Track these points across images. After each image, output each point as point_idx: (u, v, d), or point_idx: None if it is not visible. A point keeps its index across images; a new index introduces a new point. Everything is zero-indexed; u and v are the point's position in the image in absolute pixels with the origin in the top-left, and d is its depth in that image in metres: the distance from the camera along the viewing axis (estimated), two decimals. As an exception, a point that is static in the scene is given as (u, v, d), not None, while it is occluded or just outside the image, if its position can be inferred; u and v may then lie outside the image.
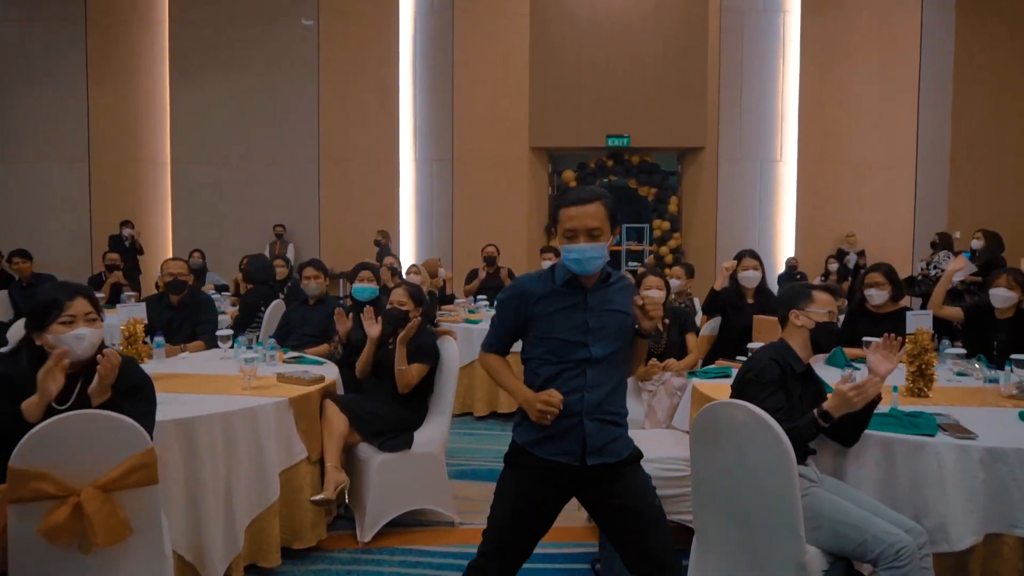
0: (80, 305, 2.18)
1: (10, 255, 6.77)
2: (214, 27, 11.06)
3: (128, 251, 9.45)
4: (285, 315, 4.76)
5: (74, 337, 2.13)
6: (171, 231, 11.53)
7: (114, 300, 6.53)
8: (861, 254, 10.03)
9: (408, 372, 3.23)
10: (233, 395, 2.91)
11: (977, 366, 3.27)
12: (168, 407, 2.61)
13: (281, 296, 5.87)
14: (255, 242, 10.58)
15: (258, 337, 4.13)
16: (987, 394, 2.86)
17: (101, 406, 2.09)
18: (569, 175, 11.31)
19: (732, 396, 2.36)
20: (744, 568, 2.18)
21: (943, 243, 8.15)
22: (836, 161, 10.71)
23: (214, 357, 3.78)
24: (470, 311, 5.87)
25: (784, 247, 10.87)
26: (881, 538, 2.04)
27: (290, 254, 10.63)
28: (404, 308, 3.30)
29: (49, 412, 2.06)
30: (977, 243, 7.69)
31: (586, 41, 10.63)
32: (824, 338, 2.42)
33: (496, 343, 2.16)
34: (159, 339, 3.69)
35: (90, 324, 2.18)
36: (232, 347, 3.78)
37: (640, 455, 2.09)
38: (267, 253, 10.16)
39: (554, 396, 1.93)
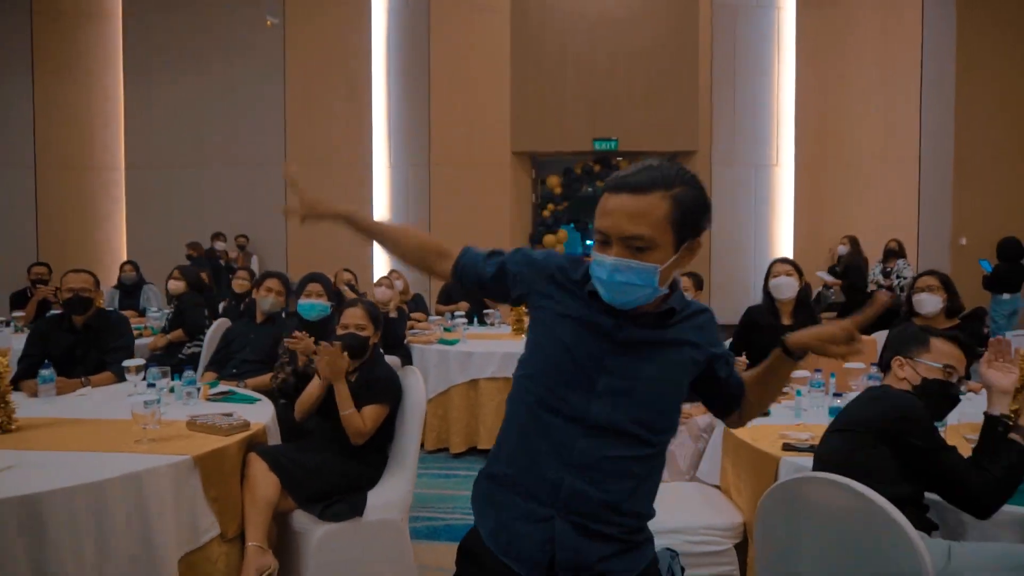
0: None
1: None
2: (171, 22, 10.32)
3: (221, 271, 8.09)
4: (225, 335, 3.99)
5: None
6: (125, 241, 10.70)
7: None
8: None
9: (356, 418, 2.48)
10: (118, 452, 2.15)
11: None
12: (14, 475, 1.86)
13: (218, 312, 5.10)
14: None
15: (177, 366, 3.36)
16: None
17: None
18: (554, 181, 10.63)
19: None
20: None
21: (901, 250, 7.83)
22: (835, 164, 10.15)
23: (121, 393, 3.01)
24: (446, 329, 5.15)
25: (782, 255, 10.27)
26: None
27: (254, 266, 9.85)
28: (364, 333, 2.56)
29: None
30: (843, 248, 8.07)
31: (570, 38, 9.99)
32: (933, 401, 1.75)
33: (470, 252, 1.50)
34: (46, 372, 2.92)
35: None
36: (144, 379, 3.02)
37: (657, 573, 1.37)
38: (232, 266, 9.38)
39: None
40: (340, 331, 2.62)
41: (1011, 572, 1.58)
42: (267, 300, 3.85)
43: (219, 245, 9.28)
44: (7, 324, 5.36)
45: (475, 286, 1.47)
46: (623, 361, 1.28)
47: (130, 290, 6.36)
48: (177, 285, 4.94)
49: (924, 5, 9.99)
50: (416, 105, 10.31)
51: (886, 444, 1.62)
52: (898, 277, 7.31)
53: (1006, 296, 7.07)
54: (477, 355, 4.41)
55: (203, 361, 4.19)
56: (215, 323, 4.64)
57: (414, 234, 1.52)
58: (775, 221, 10.39)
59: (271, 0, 10.11)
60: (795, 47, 10.19)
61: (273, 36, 10.20)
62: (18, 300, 6.27)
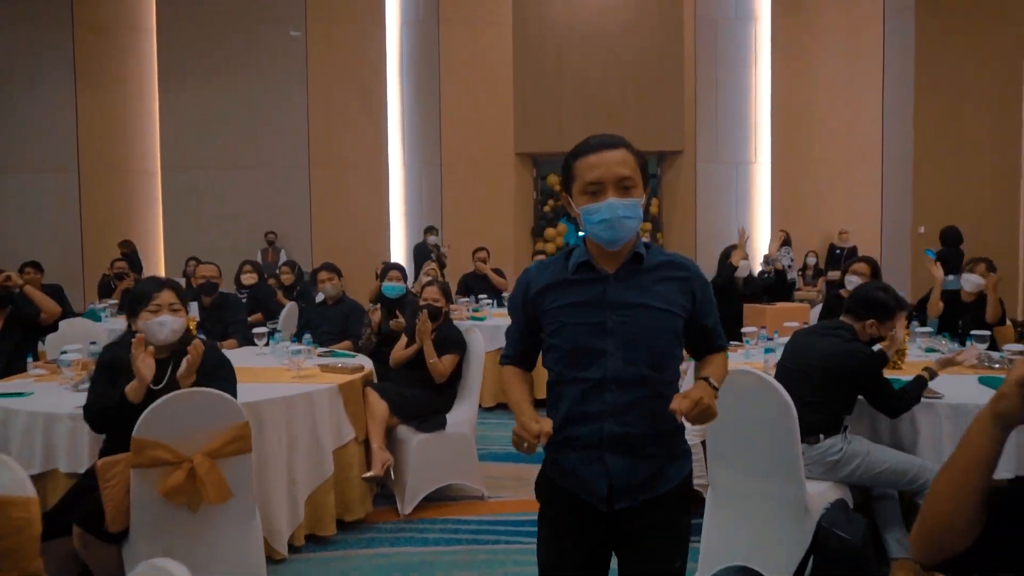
0: (166, 296, 2.49)
1: (22, 266, 6.95)
2: (203, 34, 11.24)
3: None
4: (304, 314, 5.05)
5: (157, 323, 2.44)
6: (163, 239, 11.69)
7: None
8: (852, 251, 10.43)
9: (441, 364, 3.56)
10: (286, 383, 3.21)
11: (943, 342, 3.69)
12: (241, 392, 2.91)
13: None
14: (246, 249, 10.78)
15: (292, 334, 4.42)
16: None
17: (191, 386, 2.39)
18: (554, 179, 11.67)
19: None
20: (752, 513, 2.56)
21: (787, 239, 8.81)
22: (807, 161, 11.22)
23: (249, 353, 4.06)
24: (474, 309, 6.20)
25: (761, 245, 11.34)
26: (928, 467, 2.56)
27: (282, 260, 10.86)
28: (437, 304, 3.63)
29: (148, 392, 2.37)
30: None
31: (567, 49, 11.03)
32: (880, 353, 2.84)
33: (511, 351, 1.76)
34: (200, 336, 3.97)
35: (173, 313, 2.48)
36: (267, 344, 4.08)
37: (690, 489, 1.69)
38: (259, 259, 10.38)
39: (543, 425, 1.51)
40: (422, 303, 3.69)
41: (893, 465, 2.61)
42: (327, 287, 4.87)
43: (431, 240, 9.37)
44: (103, 311, 6.38)
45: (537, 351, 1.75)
46: (622, 319, 1.55)
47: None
48: (251, 277, 5.97)
49: (885, 15, 11.05)
50: (427, 111, 11.33)
51: (847, 370, 2.68)
52: (782, 261, 8.35)
53: (950, 277, 8.17)
54: (501, 327, 5.47)
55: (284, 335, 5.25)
56: (287, 306, 5.71)
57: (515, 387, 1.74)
58: (754, 213, 11.47)
59: (293, 15, 11.10)
60: (770, 55, 11.24)
61: (296, 48, 11.18)
62: (102, 291, 7.28)
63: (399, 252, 11.55)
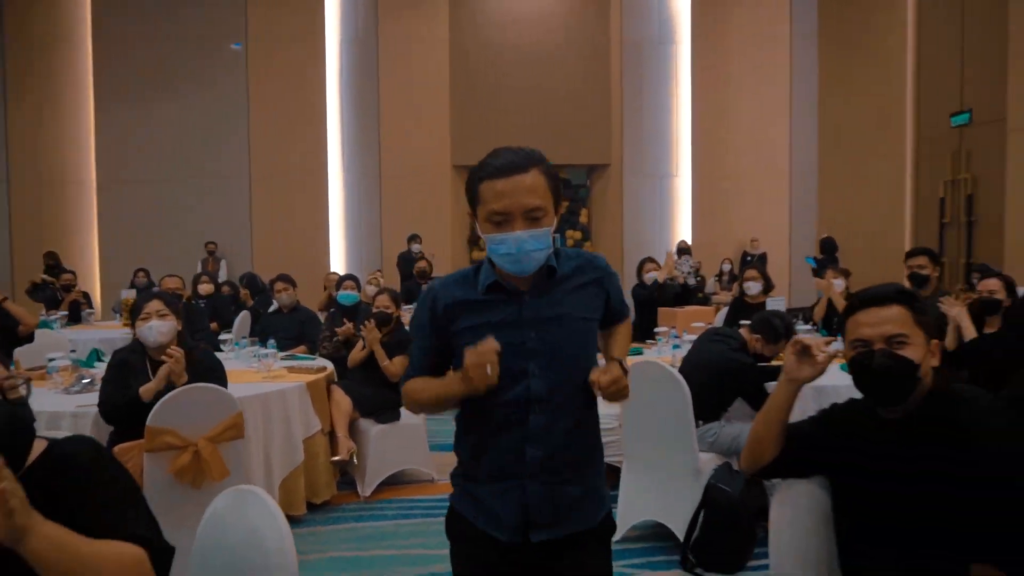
0: (153, 305, 2.91)
1: None
2: (140, 47, 11.29)
3: (415, 273, 8.19)
4: (260, 322, 5.44)
5: (147, 328, 2.87)
6: (98, 250, 11.68)
7: (74, 318, 6.95)
8: (763, 257, 11.29)
9: (393, 365, 4.04)
10: (259, 383, 3.64)
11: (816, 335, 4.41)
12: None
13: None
14: (186, 261, 10.91)
15: (255, 340, 4.81)
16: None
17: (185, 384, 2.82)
18: (489, 190, 12.24)
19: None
20: (658, 478, 3.15)
21: (685, 248, 9.83)
22: (723, 174, 12.11)
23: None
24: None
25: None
26: None
27: (223, 271, 11.04)
28: (388, 311, 4.11)
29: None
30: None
31: (502, 67, 11.63)
32: (759, 367, 3.39)
33: (416, 373, 1.58)
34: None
35: (161, 318, 2.90)
36: (232, 349, 4.47)
37: (613, 526, 1.63)
38: (200, 270, 10.55)
39: (486, 345, 1.37)
40: (374, 310, 4.16)
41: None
42: (283, 297, 5.29)
43: (415, 248, 9.74)
44: (53, 322, 6.55)
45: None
46: (542, 336, 1.45)
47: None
48: (208, 287, 6.29)
49: (792, 42, 12.07)
50: (367, 125, 11.72)
51: (723, 374, 3.26)
52: (684, 271, 9.21)
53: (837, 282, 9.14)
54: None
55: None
56: (240, 315, 6.07)
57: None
58: (676, 223, 12.31)
59: (234, 31, 11.32)
60: (690, 76, 12.11)
61: (237, 64, 11.39)
62: (45, 301, 7.37)
63: (339, 261, 11.87)
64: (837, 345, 3.89)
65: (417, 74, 11.62)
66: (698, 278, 9.28)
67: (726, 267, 11.19)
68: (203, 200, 11.50)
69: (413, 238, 10.05)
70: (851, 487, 1.61)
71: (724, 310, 5.56)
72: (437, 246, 11.14)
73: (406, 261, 9.52)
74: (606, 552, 1.58)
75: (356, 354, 4.19)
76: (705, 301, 8.23)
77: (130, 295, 6.26)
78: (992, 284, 3.53)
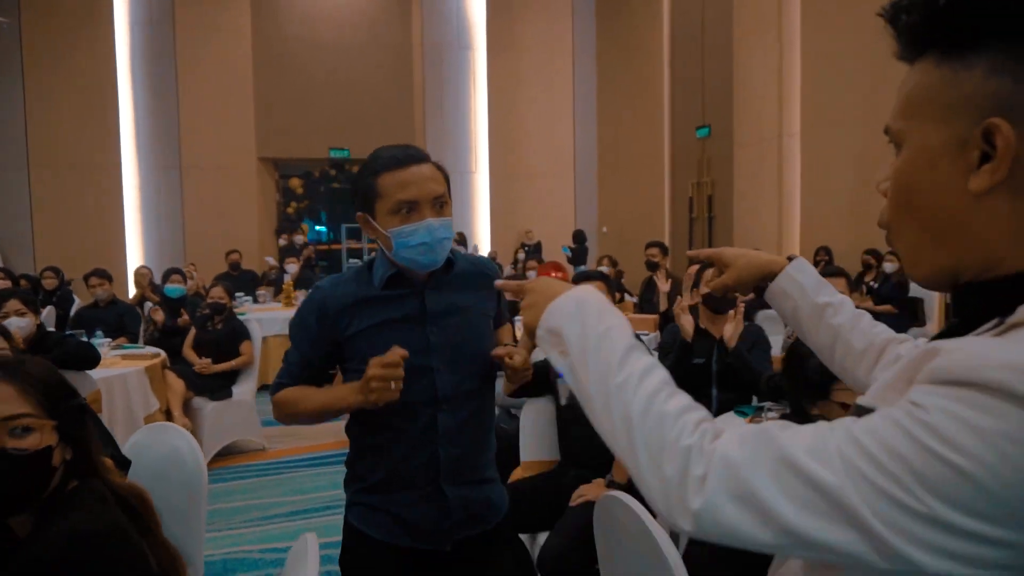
0: (11, 304, 3.24)
1: None
2: None
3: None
4: (79, 315, 5.56)
5: (5, 324, 3.20)
6: None
7: None
8: (537, 246, 12.68)
9: (245, 357, 4.55)
10: (101, 369, 3.96)
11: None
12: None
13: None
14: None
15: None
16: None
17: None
18: (296, 182, 12.47)
19: None
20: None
21: (461, 240, 11.15)
22: (516, 172, 13.36)
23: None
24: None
25: (483, 245, 13.28)
26: None
27: (-1, 264, 10.30)
28: (222, 301, 4.57)
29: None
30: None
31: (309, 63, 11.90)
32: None
33: (289, 380, 1.50)
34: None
35: (19, 316, 3.24)
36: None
37: (511, 518, 1.60)
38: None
39: (393, 356, 1.30)
40: (209, 301, 4.60)
41: None
42: (99, 292, 5.48)
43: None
44: None
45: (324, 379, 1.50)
46: (442, 330, 1.43)
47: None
48: (52, 282, 6.18)
49: (575, 52, 13.57)
50: (165, 115, 11.42)
51: None
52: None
53: (582, 267, 10.70)
54: (265, 318, 6.43)
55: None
56: (46, 310, 6.07)
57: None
58: (476, 216, 13.37)
59: (3, 5, 10.49)
60: (486, 79, 13.19)
61: (7, 40, 10.57)
62: None
63: (135, 254, 11.50)
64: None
65: (218, 64, 11.54)
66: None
67: (521, 256, 12.44)
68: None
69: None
70: None
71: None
72: (244, 238, 11.20)
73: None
74: (520, 542, 1.67)
75: (188, 350, 4.61)
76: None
77: None
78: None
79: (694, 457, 0.62)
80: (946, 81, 0.62)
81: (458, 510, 1.46)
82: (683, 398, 0.68)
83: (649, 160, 12.40)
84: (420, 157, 1.42)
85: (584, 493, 2.30)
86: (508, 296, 1.31)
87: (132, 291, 7.17)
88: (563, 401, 2.50)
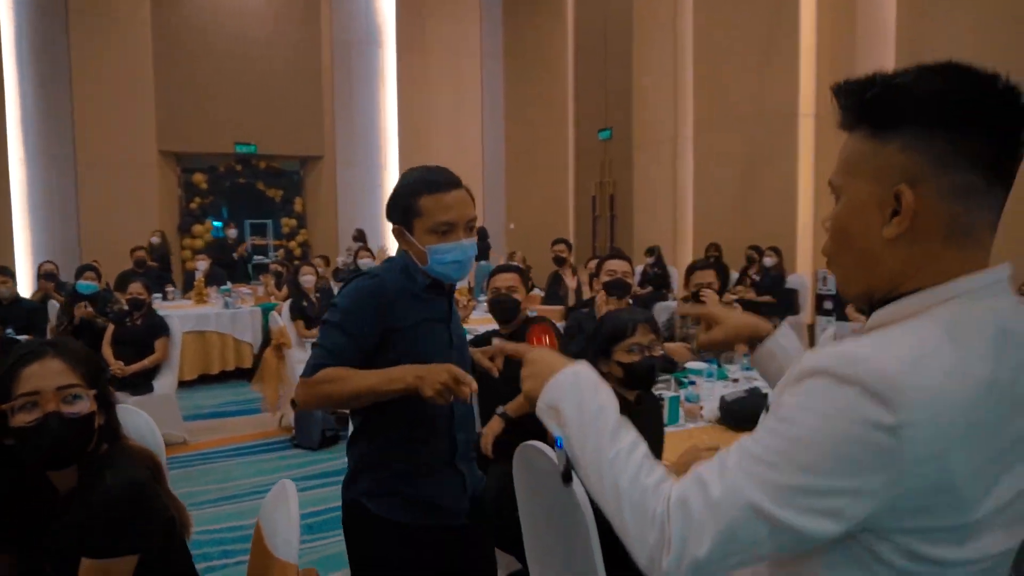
0: None
1: None
2: None
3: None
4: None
5: None
6: None
7: None
8: None
9: (159, 353, 4.62)
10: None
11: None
12: None
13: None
14: None
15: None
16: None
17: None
18: (200, 177, 12.20)
19: None
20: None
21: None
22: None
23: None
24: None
25: (390, 243, 13.41)
26: None
27: None
28: (141, 297, 4.61)
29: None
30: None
31: (214, 55, 11.66)
32: None
33: (332, 360, 1.54)
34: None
35: None
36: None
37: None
38: None
39: (468, 383, 1.43)
40: (128, 297, 4.62)
41: None
42: (2, 289, 5.37)
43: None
44: None
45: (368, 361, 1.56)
46: (454, 328, 1.70)
47: None
48: None
49: (482, 56, 13.89)
50: (56, 106, 10.90)
51: None
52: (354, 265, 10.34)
53: (483, 263, 11.10)
54: (186, 315, 6.41)
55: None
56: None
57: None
58: (383, 213, 13.43)
59: None
60: (396, 77, 13.30)
61: None
62: None
63: (23, 253, 10.94)
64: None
65: (117, 53, 11.10)
66: None
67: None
68: None
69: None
70: None
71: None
72: (145, 234, 10.87)
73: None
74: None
75: (106, 348, 4.62)
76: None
77: None
78: (615, 264, 4.14)
79: (661, 526, 0.78)
80: (873, 151, 0.81)
81: (471, 486, 1.70)
82: (659, 470, 0.85)
83: (555, 160, 12.89)
84: (457, 182, 1.62)
85: (486, 433, 2.47)
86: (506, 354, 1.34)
87: (31, 289, 6.96)
88: (560, 468, 2.76)
